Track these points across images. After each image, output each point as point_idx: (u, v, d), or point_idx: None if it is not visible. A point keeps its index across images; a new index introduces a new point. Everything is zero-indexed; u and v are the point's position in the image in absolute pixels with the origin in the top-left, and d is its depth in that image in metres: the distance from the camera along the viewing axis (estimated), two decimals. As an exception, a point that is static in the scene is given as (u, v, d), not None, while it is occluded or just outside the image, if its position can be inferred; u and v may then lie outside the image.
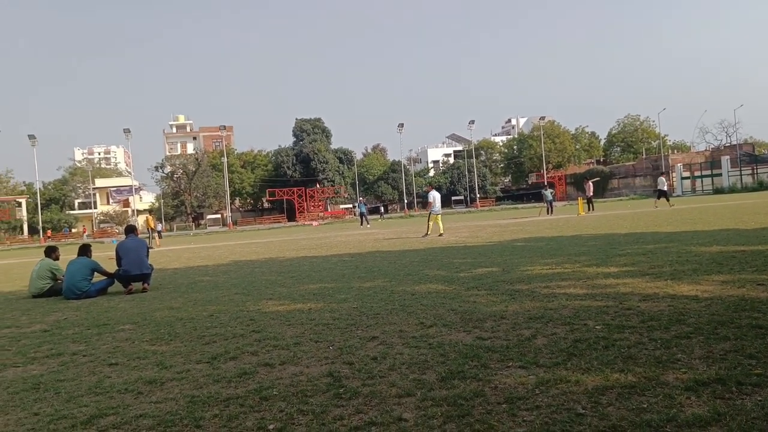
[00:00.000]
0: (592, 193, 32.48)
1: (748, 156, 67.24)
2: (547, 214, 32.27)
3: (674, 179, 68.69)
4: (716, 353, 4.02)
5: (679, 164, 69.27)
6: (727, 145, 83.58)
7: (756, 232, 12.74)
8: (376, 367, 4.29)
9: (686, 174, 68.03)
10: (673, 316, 5.15)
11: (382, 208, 66.50)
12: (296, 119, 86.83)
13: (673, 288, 6.51)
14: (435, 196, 20.38)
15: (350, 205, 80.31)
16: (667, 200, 30.19)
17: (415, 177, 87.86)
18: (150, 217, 29.59)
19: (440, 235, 19.47)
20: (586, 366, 3.92)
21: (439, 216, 20.38)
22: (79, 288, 9.74)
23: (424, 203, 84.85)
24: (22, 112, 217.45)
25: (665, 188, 31.41)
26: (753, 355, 3.90)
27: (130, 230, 11.13)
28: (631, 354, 4.13)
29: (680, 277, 7.23)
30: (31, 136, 62.96)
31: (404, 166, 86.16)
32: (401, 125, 75.47)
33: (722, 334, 4.49)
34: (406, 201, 78.00)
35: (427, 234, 19.88)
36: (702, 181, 65.44)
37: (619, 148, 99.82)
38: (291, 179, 79.83)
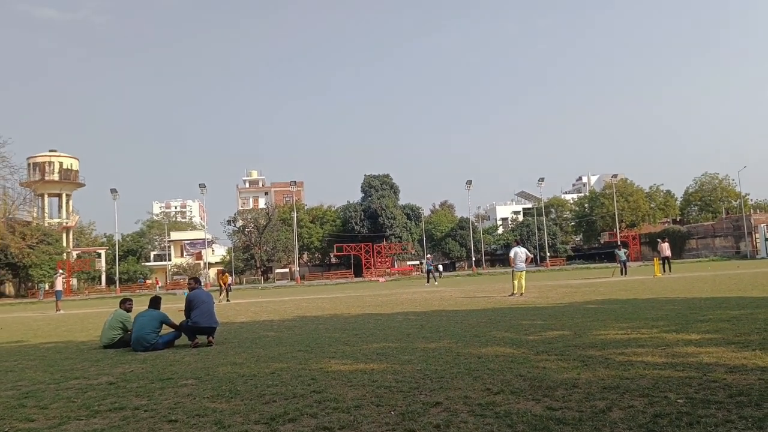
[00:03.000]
0: (668, 253, 31.23)
1: (839, 217, 63.54)
2: (621, 275, 31.13)
3: (757, 240, 65.42)
4: (818, 437, 3.62)
5: (762, 225, 65.98)
6: (814, 204, 79.35)
7: None
8: (439, 436, 4.07)
9: (771, 235, 64.69)
10: (765, 391, 4.74)
11: (441, 267, 63.04)
12: (365, 175, 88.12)
13: (763, 359, 6.03)
14: (517, 252, 19.10)
15: (417, 262, 79.98)
16: None
17: (483, 234, 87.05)
18: (226, 276, 29.97)
19: (521, 294, 18.53)
20: (669, 445, 3.60)
21: (523, 274, 19.05)
22: (147, 340, 9.89)
23: (493, 261, 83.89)
24: (106, 168, 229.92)
25: None
26: None
27: (197, 281, 11.30)
28: (720, 434, 3.78)
29: (771, 347, 6.70)
30: (113, 190, 66.11)
31: (472, 223, 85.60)
32: (470, 182, 75.37)
33: (823, 414, 4.07)
34: (473, 259, 77.09)
35: (513, 293, 18.89)
36: (789, 244, 62.05)
37: (696, 207, 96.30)
38: (358, 235, 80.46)
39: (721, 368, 5.73)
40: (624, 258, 32.43)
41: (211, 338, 10.21)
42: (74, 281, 71.89)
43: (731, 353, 6.48)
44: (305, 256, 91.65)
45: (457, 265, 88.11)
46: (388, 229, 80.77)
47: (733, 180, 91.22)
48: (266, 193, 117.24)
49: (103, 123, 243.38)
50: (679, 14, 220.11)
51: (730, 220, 76.44)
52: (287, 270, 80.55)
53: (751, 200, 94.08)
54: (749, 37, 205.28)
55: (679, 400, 4.63)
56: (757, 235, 65.75)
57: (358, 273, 74.47)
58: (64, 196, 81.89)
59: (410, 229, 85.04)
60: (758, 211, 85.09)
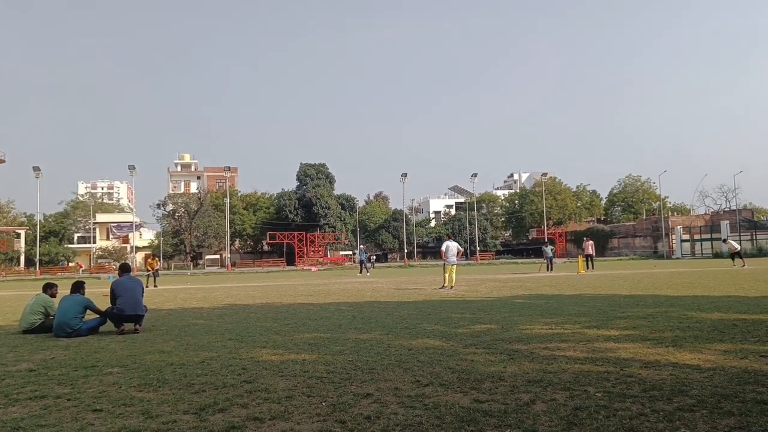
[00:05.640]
0: (592, 251, 32.45)
1: (747, 222, 67.43)
2: (547, 270, 32.12)
3: (674, 242, 68.64)
4: (720, 429, 3.89)
5: (678, 227, 69.32)
6: (726, 209, 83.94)
7: (757, 300, 12.61)
8: (369, 427, 4.15)
9: (686, 237, 68.04)
10: (676, 387, 5.03)
11: (373, 257, 62.31)
12: (301, 164, 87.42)
13: (675, 355, 6.39)
14: (448, 246, 19.55)
15: (350, 252, 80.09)
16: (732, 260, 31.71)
17: (416, 227, 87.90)
18: (155, 260, 29.13)
19: (451, 287, 18.89)
20: (587, 437, 3.79)
21: (454, 267, 19.49)
22: (71, 326, 9.57)
23: (425, 253, 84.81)
24: (30, 145, 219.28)
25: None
26: (759, 433, 3.77)
27: (126, 269, 11.02)
28: (633, 426, 4.00)
29: (682, 344, 7.11)
30: (36, 168, 63.19)
31: (406, 215, 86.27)
32: (404, 175, 75.90)
33: (726, 408, 4.37)
34: (406, 251, 77.75)
35: (443, 286, 19.27)
36: (701, 245, 65.40)
37: (619, 208, 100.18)
38: (292, 223, 79.83)
39: (636, 363, 6.04)
40: (550, 254, 33.48)
41: (137, 326, 9.98)
42: (-10, 262, 68.53)
43: (646, 349, 6.83)
44: (237, 243, 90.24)
45: (389, 256, 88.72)
46: (322, 219, 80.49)
47: (654, 183, 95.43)
48: (199, 178, 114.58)
49: (27, 97, 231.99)
50: (622, 17, 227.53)
51: (649, 221, 79.88)
52: (218, 256, 79.15)
53: (670, 203, 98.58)
54: (681, 43, 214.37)
55: (597, 394, 4.87)
56: (674, 237, 68.98)
57: (290, 261, 73.91)
58: (-20, 172, 77.80)
59: (344, 219, 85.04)
60: (675, 213, 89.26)
